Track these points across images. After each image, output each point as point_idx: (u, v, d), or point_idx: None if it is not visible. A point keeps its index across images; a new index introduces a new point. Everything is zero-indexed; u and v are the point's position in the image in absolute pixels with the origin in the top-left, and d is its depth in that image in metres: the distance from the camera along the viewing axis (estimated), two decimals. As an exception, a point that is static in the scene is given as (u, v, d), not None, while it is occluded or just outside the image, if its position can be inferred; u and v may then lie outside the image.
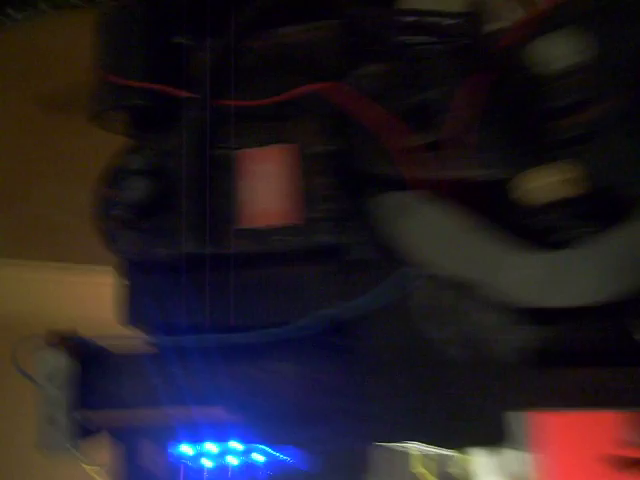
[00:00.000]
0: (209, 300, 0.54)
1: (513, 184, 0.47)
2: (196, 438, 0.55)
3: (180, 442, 0.56)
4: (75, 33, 0.74)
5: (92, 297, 1.11)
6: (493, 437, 0.50)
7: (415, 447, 0.55)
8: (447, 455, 1.25)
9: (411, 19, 0.63)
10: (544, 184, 0.44)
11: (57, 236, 0.97)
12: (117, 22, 0.61)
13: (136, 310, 0.57)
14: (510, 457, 1.12)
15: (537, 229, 0.47)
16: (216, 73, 0.59)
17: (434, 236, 0.49)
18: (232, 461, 0.55)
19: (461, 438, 0.50)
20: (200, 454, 0.55)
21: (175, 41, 0.63)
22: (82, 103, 0.62)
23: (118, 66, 0.59)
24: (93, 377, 0.55)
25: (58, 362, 0.54)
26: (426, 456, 1.31)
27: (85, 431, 0.54)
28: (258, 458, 0.55)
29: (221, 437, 0.54)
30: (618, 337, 0.50)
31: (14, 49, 0.88)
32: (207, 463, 0.56)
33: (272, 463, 0.55)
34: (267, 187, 0.54)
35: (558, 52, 0.48)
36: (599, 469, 0.66)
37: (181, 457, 0.56)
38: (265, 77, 0.59)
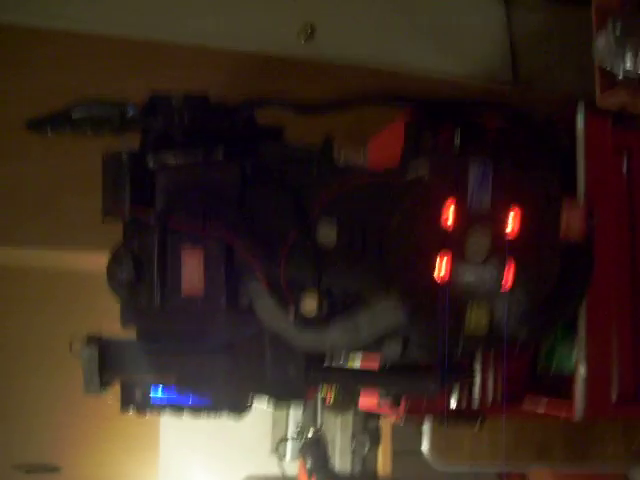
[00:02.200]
0: (164, 328, 1.11)
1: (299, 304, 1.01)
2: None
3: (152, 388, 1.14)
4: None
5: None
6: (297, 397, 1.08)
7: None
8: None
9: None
10: (309, 305, 0.99)
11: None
12: (111, 166, 1.11)
13: (126, 323, 1.13)
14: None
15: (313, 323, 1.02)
16: (166, 195, 1.11)
17: (266, 308, 1.04)
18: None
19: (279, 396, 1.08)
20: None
21: (148, 166, 1.14)
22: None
23: (113, 197, 1.10)
24: (110, 356, 1.12)
25: (92, 351, 1.11)
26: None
27: (108, 383, 1.13)
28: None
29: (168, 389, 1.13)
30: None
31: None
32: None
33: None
34: (192, 273, 1.07)
35: (327, 231, 1.00)
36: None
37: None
38: (190, 200, 1.10)
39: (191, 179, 1.12)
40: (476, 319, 0.97)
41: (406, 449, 1.69)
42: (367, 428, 1.81)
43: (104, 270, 1.11)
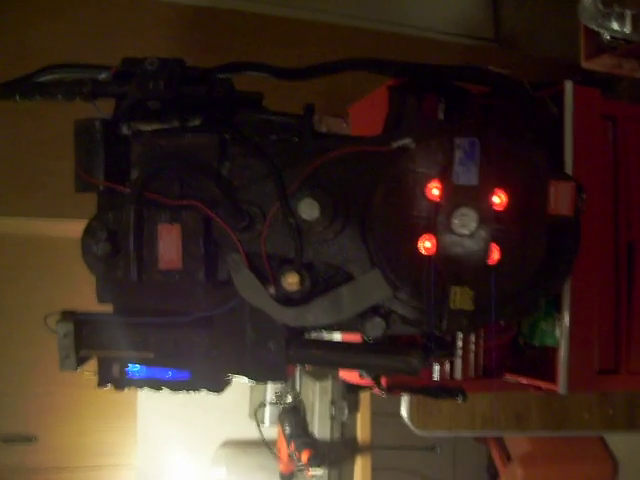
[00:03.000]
0: (141, 302, 1.07)
1: (280, 279, 0.98)
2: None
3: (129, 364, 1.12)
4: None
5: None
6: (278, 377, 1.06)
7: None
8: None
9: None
10: (290, 279, 0.96)
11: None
12: (83, 135, 1.06)
13: (102, 298, 1.10)
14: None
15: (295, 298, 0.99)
16: (142, 164, 1.06)
17: (246, 281, 1.01)
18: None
19: (259, 375, 1.06)
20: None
21: (122, 133, 1.09)
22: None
23: (86, 167, 1.05)
24: (86, 332, 1.09)
25: (68, 327, 1.08)
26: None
27: (84, 360, 1.10)
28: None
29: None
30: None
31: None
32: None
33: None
34: (170, 247, 1.04)
35: (309, 206, 0.97)
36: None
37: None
38: (167, 169, 1.06)
39: (167, 147, 1.07)
40: (462, 294, 0.95)
41: (386, 412, 1.70)
42: (346, 394, 1.82)
43: (79, 236, 1.07)
